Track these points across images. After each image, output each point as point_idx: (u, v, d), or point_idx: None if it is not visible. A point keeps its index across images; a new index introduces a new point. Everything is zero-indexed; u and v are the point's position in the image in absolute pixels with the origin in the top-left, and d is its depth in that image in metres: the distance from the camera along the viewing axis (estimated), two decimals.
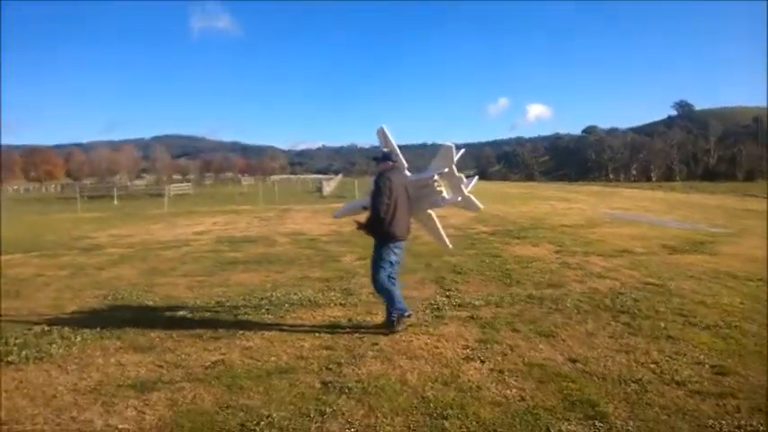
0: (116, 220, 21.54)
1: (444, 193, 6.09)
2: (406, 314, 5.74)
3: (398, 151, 6.08)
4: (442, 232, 6.47)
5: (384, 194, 5.59)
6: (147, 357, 5.06)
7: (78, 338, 5.60)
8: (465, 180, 6.13)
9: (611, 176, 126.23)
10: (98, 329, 5.85)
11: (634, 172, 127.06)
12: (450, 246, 6.71)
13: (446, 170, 5.97)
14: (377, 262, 5.78)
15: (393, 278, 5.87)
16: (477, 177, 6.74)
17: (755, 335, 5.39)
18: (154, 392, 4.27)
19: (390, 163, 5.88)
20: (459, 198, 6.07)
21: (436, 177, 6.05)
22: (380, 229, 5.71)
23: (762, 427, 3.52)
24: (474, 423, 3.66)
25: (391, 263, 5.81)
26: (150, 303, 7.17)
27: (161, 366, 4.83)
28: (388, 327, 5.73)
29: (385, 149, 6.03)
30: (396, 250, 5.80)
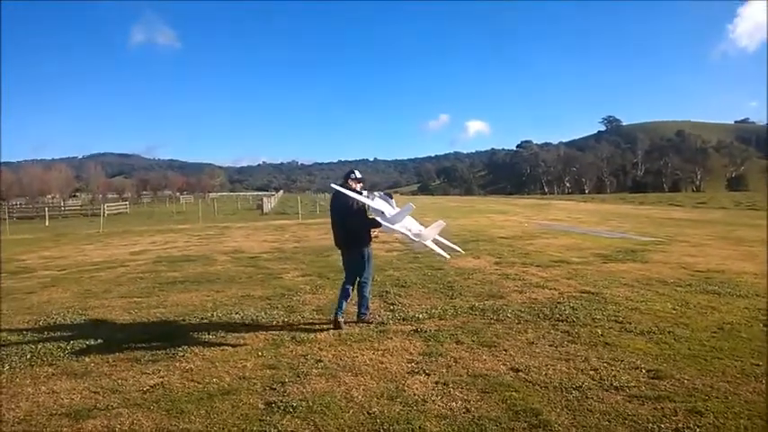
0: (48, 242, 20.55)
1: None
2: (337, 317, 6.43)
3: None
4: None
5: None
6: (82, 384, 4.82)
7: (6, 367, 5.28)
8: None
9: (546, 189, 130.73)
10: (28, 356, 5.56)
11: (567, 184, 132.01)
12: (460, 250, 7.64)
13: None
14: None
15: (346, 286, 6.59)
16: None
17: (688, 339, 5.63)
18: (89, 420, 4.06)
19: (342, 182, 6.61)
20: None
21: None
22: None
23: (698, 429, 3.66)
24: None
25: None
26: (84, 327, 6.81)
27: (96, 392, 4.61)
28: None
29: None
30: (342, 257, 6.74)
